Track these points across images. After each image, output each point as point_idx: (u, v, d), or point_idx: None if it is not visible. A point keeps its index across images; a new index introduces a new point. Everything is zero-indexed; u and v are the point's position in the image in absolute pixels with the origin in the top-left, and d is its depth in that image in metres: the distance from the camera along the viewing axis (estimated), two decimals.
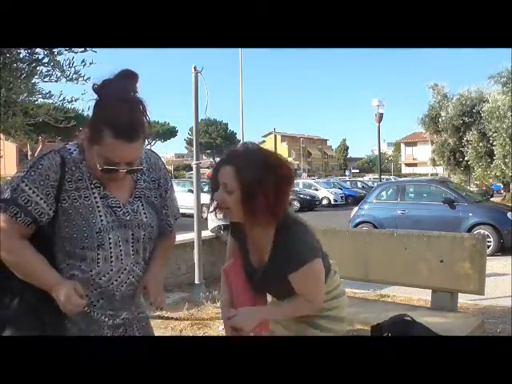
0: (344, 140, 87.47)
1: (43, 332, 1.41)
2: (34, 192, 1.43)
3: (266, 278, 1.82)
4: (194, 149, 5.89)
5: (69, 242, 1.47)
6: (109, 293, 1.52)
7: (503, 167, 14.00)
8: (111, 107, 1.43)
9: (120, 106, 1.42)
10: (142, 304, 1.68)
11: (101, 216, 1.50)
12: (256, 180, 1.59)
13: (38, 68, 3.68)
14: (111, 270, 1.52)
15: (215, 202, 1.71)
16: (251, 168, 1.60)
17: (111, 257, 1.51)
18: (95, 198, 1.51)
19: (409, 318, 2.81)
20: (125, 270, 1.55)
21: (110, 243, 1.50)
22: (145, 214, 1.61)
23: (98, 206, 1.51)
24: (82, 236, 1.47)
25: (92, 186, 1.52)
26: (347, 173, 64.57)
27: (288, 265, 1.70)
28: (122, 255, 1.53)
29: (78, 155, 1.51)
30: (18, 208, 1.42)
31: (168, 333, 4.30)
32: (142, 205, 1.62)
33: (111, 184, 1.55)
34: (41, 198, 1.44)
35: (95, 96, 1.47)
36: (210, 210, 1.77)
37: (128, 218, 1.56)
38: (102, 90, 1.45)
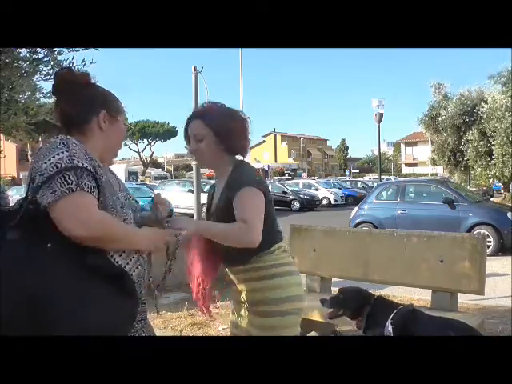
0: (343, 140, 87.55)
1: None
2: (87, 166, 1.42)
3: (219, 212, 2.01)
4: None
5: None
6: (129, 272, 1.51)
7: (502, 167, 13.99)
8: (99, 86, 1.63)
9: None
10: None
11: (118, 193, 1.56)
12: (220, 123, 1.99)
13: (38, 67, 3.68)
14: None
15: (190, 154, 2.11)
16: (214, 116, 2.01)
17: None
18: (108, 177, 1.54)
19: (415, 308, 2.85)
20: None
21: (129, 217, 1.56)
22: (127, 199, 1.66)
23: (113, 186, 1.55)
24: (110, 210, 1.48)
25: (102, 169, 1.53)
26: (347, 173, 64.58)
27: (231, 192, 1.95)
28: None
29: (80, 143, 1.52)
30: (89, 182, 1.40)
31: (168, 333, 4.30)
32: (126, 193, 1.69)
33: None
34: (91, 170, 1.43)
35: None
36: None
37: (125, 200, 1.62)
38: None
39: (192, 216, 5.84)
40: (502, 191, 19.72)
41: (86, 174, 1.40)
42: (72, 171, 1.38)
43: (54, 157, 1.39)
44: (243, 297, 2.04)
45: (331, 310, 3.00)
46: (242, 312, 2.07)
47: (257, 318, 1.99)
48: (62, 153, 1.39)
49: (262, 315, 1.97)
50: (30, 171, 1.44)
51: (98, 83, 1.64)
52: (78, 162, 1.39)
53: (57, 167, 1.37)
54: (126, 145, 51.44)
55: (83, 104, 1.57)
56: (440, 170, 28.31)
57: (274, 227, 2.06)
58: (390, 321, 2.70)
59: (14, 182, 33.21)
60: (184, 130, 2.10)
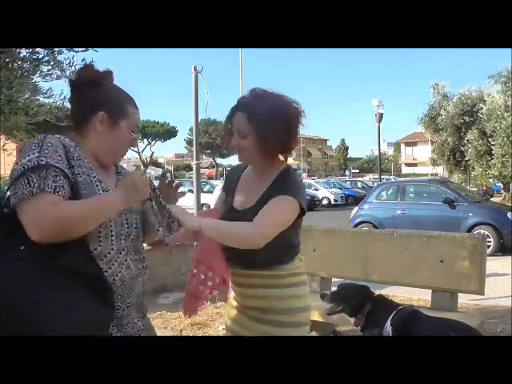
0: (343, 140, 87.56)
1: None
2: (56, 166, 1.41)
3: (247, 215, 1.81)
4: (193, 149, 5.89)
5: None
6: (109, 277, 1.49)
7: (501, 167, 13.99)
8: (120, 88, 1.61)
9: (118, 86, 1.63)
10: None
11: (100, 195, 1.51)
12: (267, 121, 1.76)
13: (38, 67, 3.68)
14: (112, 250, 1.51)
15: (231, 148, 1.88)
16: (261, 111, 1.77)
17: (112, 235, 1.51)
18: (94, 177, 1.52)
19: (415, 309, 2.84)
20: (123, 250, 1.55)
21: (110, 221, 1.50)
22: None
23: (97, 186, 1.52)
24: None
25: (89, 168, 1.52)
26: (347, 173, 64.58)
27: (275, 192, 1.80)
28: (121, 234, 1.54)
29: (71, 142, 1.52)
30: (53, 183, 1.38)
31: (168, 333, 4.30)
32: None
33: (102, 172, 1.58)
34: (63, 171, 1.43)
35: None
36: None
37: None
38: (101, 78, 1.58)
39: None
40: (502, 191, 19.70)
41: (53, 173, 1.39)
42: (36, 173, 1.37)
43: (24, 158, 1.41)
44: (252, 303, 1.92)
45: (330, 305, 2.99)
46: (249, 324, 1.92)
47: (264, 327, 1.87)
48: (33, 153, 1.41)
49: (276, 325, 1.85)
50: (10, 176, 1.46)
51: (114, 84, 1.62)
52: (47, 162, 1.39)
53: (23, 168, 1.38)
54: None
55: (84, 101, 1.57)
56: (440, 170, 28.32)
57: (299, 240, 1.98)
58: (389, 321, 2.70)
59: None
60: (225, 121, 1.89)
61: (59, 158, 1.43)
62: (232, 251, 1.82)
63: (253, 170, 1.97)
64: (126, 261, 1.55)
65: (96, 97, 1.56)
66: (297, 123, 1.84)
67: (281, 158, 1.90)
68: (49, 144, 1.44)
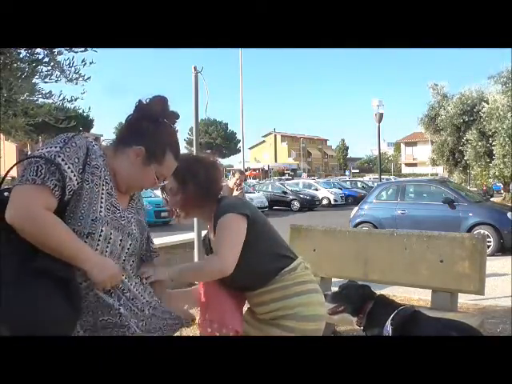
0: (343, 140, 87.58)
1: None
2: (69, 168, 1.45)
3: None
4: (193, 149, 5.89)
5: (65, 220, 1.46)
6: (85, 290, 1.48)
7: (502, 167, 13.99)
8: (173, 133, 1.67)
9: (176, 133, 1.69)
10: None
11: (101, 208, 1.52)
12: (187, 172, 1.96)
13: (38, 68, 3.68)
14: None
15: (172, 209, 2.07)
16: (181, 167, 1.88)
17: (96, 249, 1.50)
18: (102, 190, 1.54)
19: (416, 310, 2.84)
20: None
21: (100, 235, 1.50)
22: (134, 226, 1.66)
23: (102, 198, 1.53)
24: (78, 218, 1.47)
25: (103, 179, 1.55)
26: (347, 173, 64.57)
27: (216, 220, 1.94)
28: (107, 252, 1.53)
29: (99, 150, 1.57)
30: (57, 182, 1.42)
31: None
32: (134, 217, 1.68)
33: (123, 195, 1.62)
34: (74, 175, 1.46)
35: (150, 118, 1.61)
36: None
37: (123, 222, 1.60)
38: (162, 114, 1.63)
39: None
40: (502, 191, 19.70)
41: (60, 173, 1.42)
42: (48, 165, 1.42)
43: (47, 147, 1.47)
44: (267, 317, 2.01)
45: (333, 305, 2.99)
46: (262, 327, 2.02)
47: (279, 331, 1.94)
48: (55, 147, 1.46)
49: (287, 330, 1.92)
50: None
51: (171, 129, 1.66)
52: (62, 160, 1.44)
53: (40, 156, 1.43)
54: None
55: (136, 128, 1.61)
56: (440, 170, 28.31)
57: (283, 242, 2.06)
58: (389, 321, 2.70)
59: (14, 182, 33.18)
60: (161, 189, 2.09)
61: (76, 160, 1.48)
62: (227, 282, 1.95)
63: (205, 222, 2.17)
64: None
65: (147, 130, 1.60)
66: (213, 170, 2.06)
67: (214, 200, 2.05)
68: (73, 144, 1.49)
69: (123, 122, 1.68)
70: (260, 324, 2.03)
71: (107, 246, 1.53)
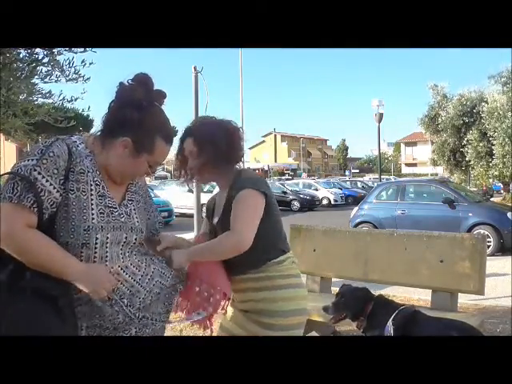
0: (343, 140, 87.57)
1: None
2: (47, 181, 1.40)
3: (225, 221, 1.93)
4: None
5: (57, 234, 1.43)
6: (87, 297, 1.45)
7: (502, 167, 13.99)
8: (160, 116, 1.57)
9: (164, 113, 1.58)
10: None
11: (93, 215, 1.47)
12: (208, 136, 1.96)
13: (37, 68, 3.68)
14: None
15: (189, 172, 2.04)
16: (203, 130, 1.99)
17: (95, 257, 1.46)
18: (92, 195, 1.48)
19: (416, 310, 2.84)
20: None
21: (96, 243, 1.46)
22: (136, 218, 1.61)
23: (92, 204, 1.48)
24: (69, 230, 1.43)
25: (91, 183, 1.49)
26: (347, 173, 64.56)
27: (234, 192, 1.92)
28: (107, 257, 1.49)
29: (85, 150, 1.50)
30: (34, 197, 1.37)
31: (168, 333, 4.28)
32: (134, 209, 1.62)
33: (111, 185, 1.55)
34: (54, 187, 1.41)
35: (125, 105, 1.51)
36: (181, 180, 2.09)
37: (123, 219, 1.55)
38: (146, 99, 1.53)
39: (192, 216, 5.85)
40: (502, 191, 19.71)
41: (37, 188, 1.37)
42: (24, 181, 1.37)
43: (24, 161, 1.42)
44: (246, 306, 1.99)
45: (334, 315, 2.99)
46: (242, 321, 2.00)
47: (258, 329, 1.92)
48: (32, 160, 1.41)
49: (265, 327, 1.90)
50: None
51: (158, 111, 1.57)
52: (39, 173, 1.39)
53: (16, 173, 1.39)
54: None
55: (120, 118, 1.51)
56: (440, 170, 28.30)
57: (282, 234, 2.04)
58: (390, 321, 2.69)
59: None
60: (178, 151, 2.07)
61: (55, 171, 1.41)
62: (228, 261, 1.90)
63: (219, 188, 2.13)
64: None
65: (131, 119, 1.50)
66: (235, 136, 2.03)
67: (233, 167, 2.04)
68: (51, 154, 1.42)
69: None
70: (242, 321, 2.00)
71: (106, 252, 1.49)
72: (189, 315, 1.91)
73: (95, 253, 1.47)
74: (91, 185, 1.49)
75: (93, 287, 1.41)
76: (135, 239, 1.58)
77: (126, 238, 1.54)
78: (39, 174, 1.39)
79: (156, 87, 1.59)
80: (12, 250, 1.35)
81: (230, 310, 2.08)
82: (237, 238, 1.83)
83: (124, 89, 1.53)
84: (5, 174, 1.43)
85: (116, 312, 1.49)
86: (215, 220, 2.06)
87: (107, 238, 1.49)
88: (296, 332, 1.92)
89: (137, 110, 1.50)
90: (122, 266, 1.52)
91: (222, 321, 2.13)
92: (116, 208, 1.54)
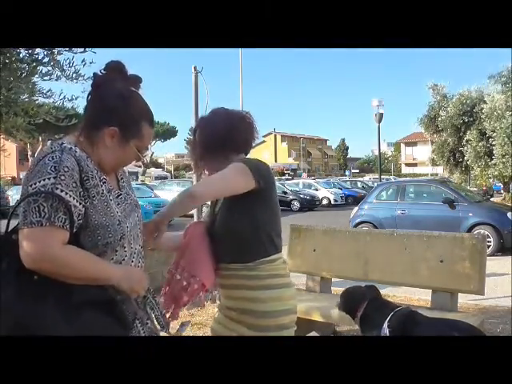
0: (343, 140, 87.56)
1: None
2: (70, 196, 1.38)
3: (220, 212, 1.97)
4: None
5: (90, 239, 1.44)
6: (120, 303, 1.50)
7: (501, 167, 13.98)
8: (140, 100, 1.58)
9: (141, 97, 1.58)
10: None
11: (116, 208, 1.52)
12: (210, 123, 2.03)
13: (38, 68, 3.68)
14: (126, 256, 1.54)
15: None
16: (215, 121, 2.02)
17: (126, 244, 1.54)
18: (106, 192, 1.51)
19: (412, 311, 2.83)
20: (135, 253, 1.58)
21: (128, 231, 1.53)
22: (133, 193, 1.69)
23: (111, 199, 1.52)
24: (106, 231, 1.45)
25: (100, 183, 1.50)
26: (347, 173, 64.59)
27: None
28: (132, 240, 1.56)
29: (82, 153, 1.49)
30: (65, 216, 1.35)
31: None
32: (127, 186, 1.68)
33: (107, 176, 1.57)
34: (77, 201, 1.40)
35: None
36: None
37: (129, 201, 1.61)
38: (124, 87, 1.54)
39: (192, 216, 5.86)
40: (502, 191, 19.70)
41: (65, 206, 1.36)
42: (49, 202, 1.34)
43: (39, 181, 1.37)
44: (232, 304, 1.97)
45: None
46: (231, 323, 1.97)
47: (244, 329, 1.90)
48: (49, 179, 1.36)
49: (257, 329, 1.87)
50: (21, 193, 1.43)
51: (137, 95, 1.57)
52: (61, 191, 1.36)
53: (37, 194, 1.35)
54: None
55: (102, 109, 1.51)
56: (440, 170, 28.31)
57: (278, 229, 2.01)
58: (386, 323, 2.68)
59: (14, 182, 33.32)
60: (192, 141, 2.10)
61: (74, 185, 1.40)
62: (215, 239, 1.95)
63: None
64: (139, 262, 1.61)
65: (114, 108, 1.50)
66: (248, 123, 2.04)
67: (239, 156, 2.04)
68: (65, 169, 1.39)
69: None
70: (229, 322, 1.98)
71: (131, 235, 1.56)
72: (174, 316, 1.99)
73: (129, 240, 1.55)
74: (101, 185, 1.50)
75: (131, 286, 1.49)
76: (140, 214, 1.66)
77: (137, 216, 1.62)
78: (62, 191, 1.37)
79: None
80: (50, 272, 1.33)
81: (216, 313, 2.09)
82: (192, 188, 1.94)
83: (101, 79, 1.54)
84: (24, 197, 1.38)
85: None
86: (217, 208, 2.05)
87: (131, 222, 1.56)
88: (286, 332, 1.91)
89: (119, 98, 1.51)
90: (140, 244, 1.63)
91: (213, 322, 2.14)
92: (121, 194, 1.59)
